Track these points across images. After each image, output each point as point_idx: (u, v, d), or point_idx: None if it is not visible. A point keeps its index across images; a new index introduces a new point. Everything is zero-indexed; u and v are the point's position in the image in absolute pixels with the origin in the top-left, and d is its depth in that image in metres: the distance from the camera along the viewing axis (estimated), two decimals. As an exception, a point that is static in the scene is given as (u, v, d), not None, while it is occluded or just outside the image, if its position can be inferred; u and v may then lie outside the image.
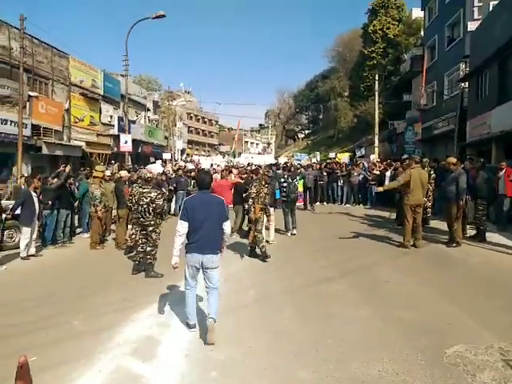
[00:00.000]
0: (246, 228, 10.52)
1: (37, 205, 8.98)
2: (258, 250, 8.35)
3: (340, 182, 17.58)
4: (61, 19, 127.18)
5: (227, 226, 4.76)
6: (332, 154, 27.00)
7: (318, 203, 17.59)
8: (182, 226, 4.64)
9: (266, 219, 8.80)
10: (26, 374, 2.50)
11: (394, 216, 12.54)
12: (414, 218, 8.82)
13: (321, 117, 70.06)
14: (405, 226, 8.93)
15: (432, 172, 11.35)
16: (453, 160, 9.16)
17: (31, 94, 18.88)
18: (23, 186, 10.10)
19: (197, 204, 4.72)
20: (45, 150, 19.19)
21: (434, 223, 11.44)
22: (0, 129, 16.81)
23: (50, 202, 9.62)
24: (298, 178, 11.66)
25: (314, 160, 25.06)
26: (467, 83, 19.43)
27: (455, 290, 6.02)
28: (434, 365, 3.87)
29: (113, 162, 23.30)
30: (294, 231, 10.68)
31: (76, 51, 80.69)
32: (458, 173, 8.82)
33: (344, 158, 19.97)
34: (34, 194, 8.97)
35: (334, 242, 9.74)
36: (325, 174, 17.89)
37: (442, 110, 22.54)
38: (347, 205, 17.21)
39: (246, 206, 8.90)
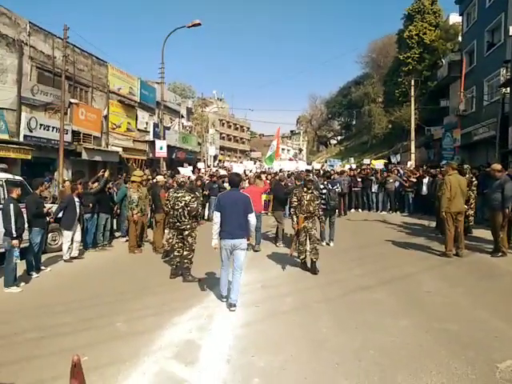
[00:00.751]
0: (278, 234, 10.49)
1: (78, 210, 9.25)
2: (308, 258, 7.69)
3: (375, 189, 17.27)
4: (100, 28, 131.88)
5: (252, 217, 5.85)
6: (366, 161, 26.48)
7: (352, 210, 17.34)
8: (216, 216, 5.94)
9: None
10: (79, 372, 2.57)
11: (433, 224, 12.19)
12: (455, 226, 8.55)
13: (354, 123, 69.31)
14: (446, 235, 8.66)
15: (473, 179, 10.99)
16: (498, 167, 8.83)
17: (72, 101, 19.59)
18: (67, 191, 10.44)
19: (227, 199, 5.94)
20: (84, 156, 19.82)
21: (477, 232, 11.04)
22: (43, 134, 17.50)
23: (90, 205, 9.91)
24: (338, 184, 11.37)
25: (347, 166, 24.77)
26: (508, 88, 18.77)
27: (501, 301, 5.78)
28: (487, 380, 3.71)
29: (144, 167, 23.80)
30: (331, 244, 10.17)
31: (114, 59, 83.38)
32: (503, 180, 8.49)
33: (378, 164, 19.57)
34: (76, 200, 9.27)
35: (370, 250, 9.55)
36: (359, 180, 17.63)
37: (481, 115, 21.85)
38: (383, 212, 16.88)
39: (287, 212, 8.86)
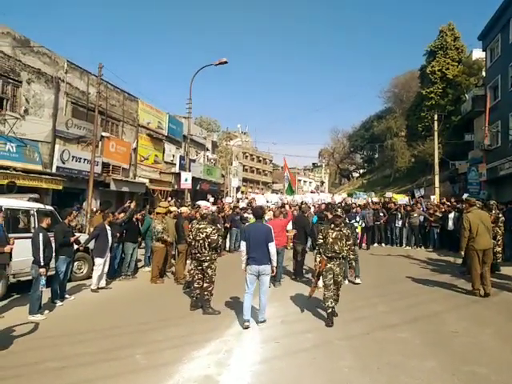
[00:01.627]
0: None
1: (110, 238, 9.39)
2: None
3: (399, 223, 16.96)
4: (133, 63, 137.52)
5: (271, 246, 6.44)
6: (388, 194, 26.12)
7: (375, 244, 17.01)
8: (242, 244, 6.67)
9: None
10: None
11: (460, 261, 11.80)
12: (482, 263, 8.24)
13: (376, 156, 68.93)
14: (472, 273, 8.35)
15: (500, 215, 10.65)
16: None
17: (104, 134, 20.27)
18: (97, 220, 10.65)
19: (252, 230, 6.69)
20: (113, 187, 20.29)
21: (505, 269, 10.61)
22: (74, 166, 18.06)
23: (117, 235, 10.05)
24: (358, 218, 11.16)
25: (369, 199, 24.45)
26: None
27: (534, 345, 5.47)
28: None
29: (169, 198, 24.12)
30: (358, 280, 9.62)
31: (145, 94, 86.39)
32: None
33: (401, 199, 19.20)
34: (108, 228, 9.43)
35: (394, 286, 9.30)
36: (381, 214, 17.36)
37: (507, 150, 21.42)
38: (407, 247, 16.50)
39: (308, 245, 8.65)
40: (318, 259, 6.89)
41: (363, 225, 15.95)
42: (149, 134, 25.09)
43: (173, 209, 11.76)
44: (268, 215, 14.60)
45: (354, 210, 17.39)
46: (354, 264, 8.04)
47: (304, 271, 10.51)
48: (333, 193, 46.61)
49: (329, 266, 6.75)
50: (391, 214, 17.22)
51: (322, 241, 6.90)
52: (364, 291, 8.82)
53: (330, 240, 6.77)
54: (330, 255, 6.76)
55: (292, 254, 10.71)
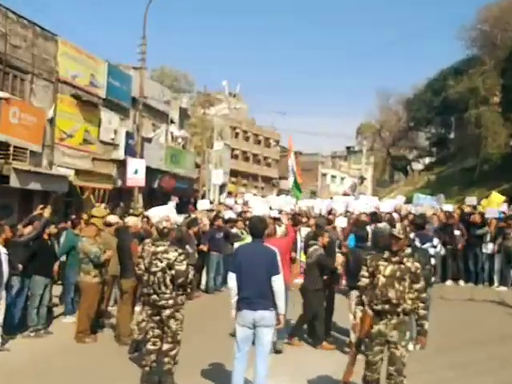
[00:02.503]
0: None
1: (5, 268, 9.27)
2: None
3: (487, 248, 16.98)
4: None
5: (277, 282, 6.56)
6: (471, 199, 25.99)
7: (448, 282, 17.04)
8: (231, 278, 6.78)
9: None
10: None
11: None
12: None
13: (451, 136, 69.02)
14: None
15: None
16: None
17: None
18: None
19: (245, 254, 6.86)
20: (15, 182, 20.15)
21: None
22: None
23: (20, 266, 9.96)
24: (435, 241, 11.05)
25: (438, 208, 24.39)
26: None
27: None
28: None
29: (103, 205, 24.04)
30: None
31: (69, 32, 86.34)
32: None
33: (492, 209, 18.97)
34: (2, 251, 9.31)
35: (482, 352, 9.34)
36: (458, 232, 17.36)
37: None
38: (501, 287, 16.55)
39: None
40: (359, 313, 6.50)
41: (442, 252, 15.88)
42: (75, 94, 25.00)
43: (112, 219, 11.72)
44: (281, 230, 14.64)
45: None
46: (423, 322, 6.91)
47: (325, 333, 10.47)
48: (379, 196, 46.61)
49: (377, 327, 6.33)
50: (475, 235, 17.20)
51: (365, 281, 6.53)
52: (432, 358, 8.78)
53: (382, 280, 6.35)
54: (379, 308, 6.32)
55: (303, 301, 10.61)
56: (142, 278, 7.67)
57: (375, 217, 17.25)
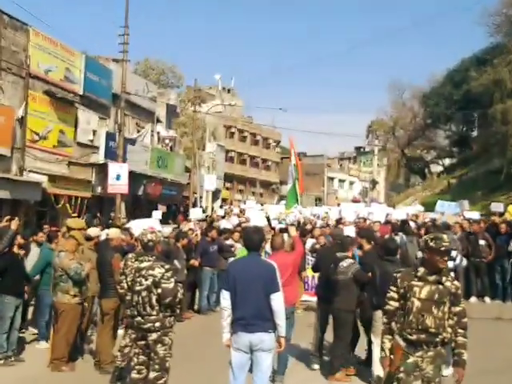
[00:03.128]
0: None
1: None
2: None
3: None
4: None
5: (276, 300, 6.51)
6: (497, 206, 26.03)
7: (473, 298, 17.02)
8: (224, 297, 6.72)
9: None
10: None
11: None
12: None
13: (474, 134, 69.05)
14: None
15: None
16: None
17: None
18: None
19: (240, 269, 6.80)
20: (-21, 190, 20.20)
21: None
22: None
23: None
24: (453, 253, 10.99)
25: (461, 215, 24.40)
26: None
27: None
28: None
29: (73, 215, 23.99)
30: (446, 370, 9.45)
31: (41, 21, 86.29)
32: None
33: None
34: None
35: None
36: (483, 242, 17.35)
37: None
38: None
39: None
40: (387, 344, 6.14)
41: (463, 263, 15.84)
42: (48, 91, 25.04)
43: (93, 232, 11.69)
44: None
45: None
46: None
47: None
48: (393, 202, 46.53)
49: (411, 360, 5.89)
50: (502, 245, 17.19)
51: (394, 305, 6.14)
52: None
53: (417, 305, 5.90)
54: (414, 338, 5.90)
55: (316, 322, 10.59)
56: (124, 298, 7.67)
57: (405, 226, 17.35)
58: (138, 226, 13.67)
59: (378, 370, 8.64)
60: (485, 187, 51.46)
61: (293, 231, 11.49)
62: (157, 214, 21.38)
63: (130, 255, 8.10)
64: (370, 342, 10.10)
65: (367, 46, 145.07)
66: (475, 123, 66.60)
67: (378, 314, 8.67)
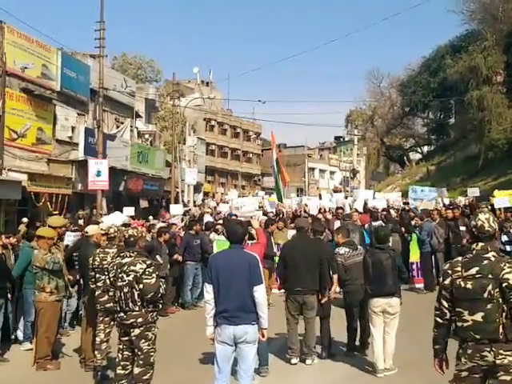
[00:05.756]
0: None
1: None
2: None
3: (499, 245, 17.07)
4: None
5: (259, 292, 6.57)
6: (473, 191, 26.19)
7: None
8: (206, 291, 6.80)
9: None
10: None
11: None
12: None
13: (452, 121, 69.28)
14: None
15: None
16: None
17: None
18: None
19: (223, 262, 6.83)
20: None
21: None
22: None
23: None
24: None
25: (440, 201, 24.55)
26: None
27: None
28: None
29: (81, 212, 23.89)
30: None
31: (17, 18, 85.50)
32: None
33: (501, 199, 19.27)
34: None
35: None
36: (463, 228, 17.46)
37: None
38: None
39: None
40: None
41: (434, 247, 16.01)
42: (25, 88, 24.87)
43: (90, 229, 11.62)
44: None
45: (414, 222, 17.60)
46: None
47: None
48: (374, 190, 46.68)
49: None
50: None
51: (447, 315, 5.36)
52: None
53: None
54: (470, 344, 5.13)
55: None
56: (96, 293, 7.73)
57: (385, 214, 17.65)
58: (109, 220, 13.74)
59: (381, 363, 8.96)
60: (463, 173, 51.78)
61: (255, 224, 11.63)
62: (128, 211, 21.32)
63: (98, 250, 8.80)
64: (363, 328, 10.34)
65: (347, 37, 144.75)
66: (452, 110, 66.80)
67: (374, 302, 9.08)
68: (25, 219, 18.63)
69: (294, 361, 9.83)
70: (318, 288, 9.97)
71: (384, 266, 9.08)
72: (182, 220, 21.33)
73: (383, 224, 16.82)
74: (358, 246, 10.74)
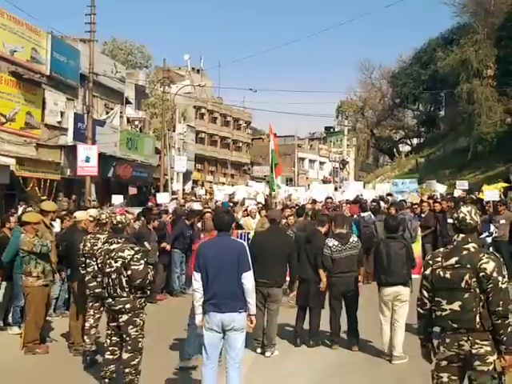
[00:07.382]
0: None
1: None
2: None
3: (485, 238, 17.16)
4: None
5: (247, 279, 6.69)
6: (462, 184, 26.27)
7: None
8: (195, 279, 6.80)
9: None
10: None
11: None
12: None
13: (442, 113, 69.40)
14: None
15: None
16: None
17: None
18: None
19: (211, 250, 6.89)
20: None
21: None
22: None
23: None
24: (492, 228, 11.10)
25: (429, 194, 24.69)
26: None
27: None
28: None
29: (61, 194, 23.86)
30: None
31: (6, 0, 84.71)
32: None
33: (491, 192, 19.41)
34: None
35: None
36: (451, 221, 17.51)
37: None
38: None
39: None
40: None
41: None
42: (14, 72, 24.73)
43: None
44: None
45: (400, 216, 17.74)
46: None
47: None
48: (364, 181, 46.77)
49: None
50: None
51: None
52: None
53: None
54: None
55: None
56: (85, 279, 7.75)
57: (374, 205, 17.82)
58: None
59: (388, 350, 9.18)
60: (452, 166, 51.89)
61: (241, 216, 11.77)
62: (118, 199, 21.32)
63: (87, 236, 8.84)
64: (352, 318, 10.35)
65: (338, 28, 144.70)
66: (442, 103, 66.95)
67: (384, 290, 9.32)
68: (23, 204, 18.38)
69: (258, 350, 9.88)
70: (284, 281, 10.20)
71: (399, 256, 9.30)
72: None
73: (372, 215, 16.95)
74: (352, 239, 10.63)
